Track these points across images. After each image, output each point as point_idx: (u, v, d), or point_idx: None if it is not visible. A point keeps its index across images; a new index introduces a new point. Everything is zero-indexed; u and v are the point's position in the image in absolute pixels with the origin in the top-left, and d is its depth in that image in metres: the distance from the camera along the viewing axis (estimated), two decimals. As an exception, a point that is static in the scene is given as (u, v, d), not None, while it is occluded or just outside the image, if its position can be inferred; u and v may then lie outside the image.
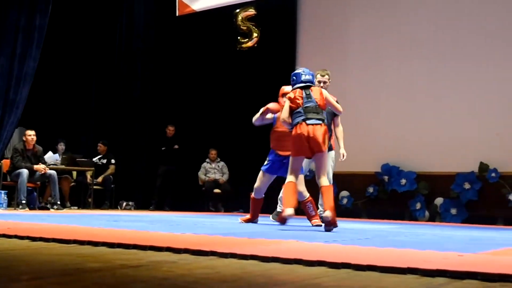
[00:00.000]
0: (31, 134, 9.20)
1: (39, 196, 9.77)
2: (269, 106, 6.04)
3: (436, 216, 9.04)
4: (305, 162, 6.07)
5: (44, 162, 9.40)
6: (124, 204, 10.91)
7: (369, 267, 2.55)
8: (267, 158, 6.28)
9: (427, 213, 9.11)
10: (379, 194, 9.57)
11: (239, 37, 11.07)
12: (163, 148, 11.11)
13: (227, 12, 10.70)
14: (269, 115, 6.13)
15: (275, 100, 6.16)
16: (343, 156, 6.71)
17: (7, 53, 9.47)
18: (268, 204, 7.06)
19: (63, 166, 10.03)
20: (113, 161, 11.04)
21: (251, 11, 10.93)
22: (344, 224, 6.96)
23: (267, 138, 6.37)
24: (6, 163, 9.36)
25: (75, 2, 11.58)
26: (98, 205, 10.53)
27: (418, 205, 9.14)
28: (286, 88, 5.96)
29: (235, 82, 11.19)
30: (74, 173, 10.70)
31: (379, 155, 9.59)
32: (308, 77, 5.43)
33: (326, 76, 6.64)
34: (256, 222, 6.35)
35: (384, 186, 9.50)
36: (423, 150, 9.36)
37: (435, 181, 9.15)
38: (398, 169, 9.43)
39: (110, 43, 12.03)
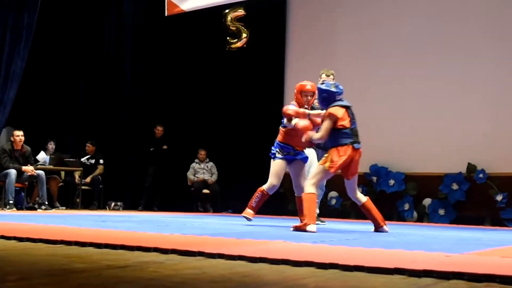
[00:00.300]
0: (19, 135, 9.13)
1: (26, 196, 9.71)
2: (292, 111, 5.68)
3: (424, 216, 9.08)
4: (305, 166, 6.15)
5: (33, 163, 9.34)
6: (113, 204, 10.86)
7: (356, 267, 2.56)
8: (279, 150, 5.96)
9: (415, 214, 9.15)
10: (367, 195, 9.47)
11: (228, 38, 11.08)
12: (151, 149, 11.06)
13: (216, 12, 10.70)
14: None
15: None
16: None
17: (-5, 51, 9.41)
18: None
19: (51, 166, 9.97)
20: (101, 161, 10.99)
21: (240, 12, 10.94)
22: (332, 225, 6.99)
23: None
24: (-7, 163, 9.29)
25: (64, 1, 11.51)
26: (87, 206, 10.47)
27: (407, 206, 9.18)
28: (308, 86, 5.83)
29: (224, 82, 11.17)
30: (63, 173, 10.64)
31: (367, 156, 9.47)
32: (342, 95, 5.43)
33: (331, 77, 6.71)
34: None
35: (372, 186, 9.52)
36: (412, 151, 9.40)
37: (423, 182, 9.18)
38: (386, 170, 9.47)
39: (99, 42, 11.97)
